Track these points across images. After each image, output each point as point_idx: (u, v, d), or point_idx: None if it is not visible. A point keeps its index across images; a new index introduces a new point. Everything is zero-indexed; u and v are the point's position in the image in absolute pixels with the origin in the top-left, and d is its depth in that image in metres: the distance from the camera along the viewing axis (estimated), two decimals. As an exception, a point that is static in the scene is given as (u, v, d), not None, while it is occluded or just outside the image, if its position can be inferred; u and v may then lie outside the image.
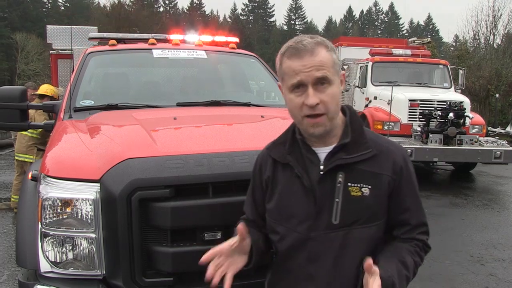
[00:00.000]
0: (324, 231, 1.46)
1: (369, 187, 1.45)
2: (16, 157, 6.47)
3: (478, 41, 25.45)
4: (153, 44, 3.96)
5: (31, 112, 5.80)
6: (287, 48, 1.45)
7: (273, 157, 1.59)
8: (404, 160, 1.52)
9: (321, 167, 1.47)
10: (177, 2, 72.40)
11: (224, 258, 1.45)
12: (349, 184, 1.45)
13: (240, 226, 1.44)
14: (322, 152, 1.49)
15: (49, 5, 67.88)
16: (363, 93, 10.95)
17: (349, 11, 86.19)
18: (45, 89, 6.56)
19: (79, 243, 1.92)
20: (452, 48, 38.69)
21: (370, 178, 1.46)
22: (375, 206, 1.47)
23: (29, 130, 6.01)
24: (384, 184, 1.47)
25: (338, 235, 1.45)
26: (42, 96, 6.37)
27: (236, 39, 4.56)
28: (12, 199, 6.48)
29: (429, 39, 16.11)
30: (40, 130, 5.71)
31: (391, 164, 1.49)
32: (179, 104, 3.21)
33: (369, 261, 1.32)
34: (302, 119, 1.43)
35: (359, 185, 1.45)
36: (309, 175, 1.48)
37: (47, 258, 1.93)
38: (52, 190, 1.92)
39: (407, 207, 1.52)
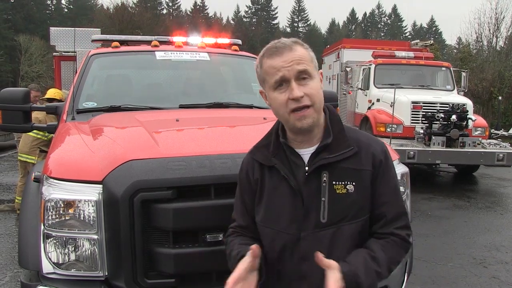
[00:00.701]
0: (313, 230, 1.49)
1: (353, 183, 1.49)
2: (19, 158, 6.49)
3: (481, 43, 25.36)
4: (156, 46, 3.97)
5: (41, 114, 5.84)
6: (266, 50, 1.50)
7: (258, 161, 1.61)
8: (384, 154, 1.56)
9: (306, 168, 1.51)
10: (180, 4, 72.66)
11: (241, 284, 1.43)
12: (334, 182, 1.49)
13: (255, 247, 1.44)
14: (306, 153, 1.53)
15: (52, 7, 68.21)
16: (366, 95, 10.94)
17: (352, 13, 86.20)
18: (53, 93, 6.63)
19: (81, 244, 1.92)
20: (455, 51, 38.63)
21: (353, 175, 1.50)
22: (361, 201, 1.50)
23: (35, 131, 6.04)
24: (366, 179, 1.51)
25: (327, 233, 1.49)
26: (50, 100, 6.41)
27: (239, 41, 4.57)
28: (16, 200, 6.50)
29: (432, 41, 16.09)
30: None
31: (370, 158, 1.52)
32: (182, 106, 3.22)
33: (316, 254, 1.35)
34: (289, 115, 1.45)
35: (343, 183, 1.49)
36: (295, 176, 1.52)
37: (50, 259, 1.93)
38: (55, 192, 1.93)
39: (384, 200, 1.54)
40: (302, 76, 1.44)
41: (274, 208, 1.55)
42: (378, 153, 1.54)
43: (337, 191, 1.49)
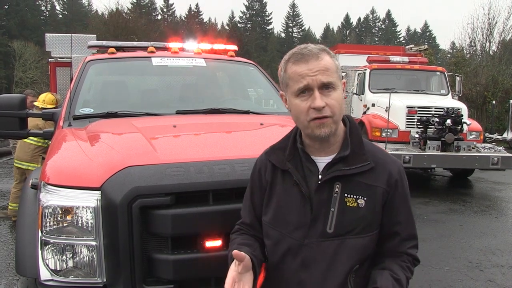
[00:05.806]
0: (318, 239, 1.49)
1: (365, 198, 1.49)
2: (17, 165, 6.41)
3: (475, 48, 25.63)
4: (152, 52, 3.98)
5: (41, 120, 5.78)
6: (292, 55, 1.50)
7: (272, 162, 1.61)
8: (399, 173, 1.56)
9: (319, 176, 1.51)
10: (175, 10, 72.76)
11: (237, 284, 1.44)
12: (346, 194, 1.49)
13: (235, 252, 1.42)
14: (321, 161, 1.53)
15: (47, 13, 68.03)
16: (361, 100, 10.99)
17: (347, 18, 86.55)
18: (43, 99, 6.52)
19: (79, 251, 1.92)
20: (449, 55, 38.97)
21: (366, 190, 1.50)
22: (370, 217, 1.50)
23: (36, 139, 6.00)
24: (379, 196, 1.51)
25: (331, 244, 1.48)
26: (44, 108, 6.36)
27: (234, 47, 4.59)
28: (9, 207, 6.44)
29: (426, 46, 16.22)
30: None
31: (386, 176, 1.52)
32: (179, 112, 3.22)
33: None
34: (308, 123, 1.45)
35: (355, 196, 1.49)
36: (307, 183, 1.52)
37: (47, 266, 1.93)
38: (53, 198, 1.93)
39: (399, 220, 1.55)
40: (326, 86, 1.44)
41: (282, 211, 1.55)
42: (395, 172, 1.54)
43: (348, 204, 1.48)
